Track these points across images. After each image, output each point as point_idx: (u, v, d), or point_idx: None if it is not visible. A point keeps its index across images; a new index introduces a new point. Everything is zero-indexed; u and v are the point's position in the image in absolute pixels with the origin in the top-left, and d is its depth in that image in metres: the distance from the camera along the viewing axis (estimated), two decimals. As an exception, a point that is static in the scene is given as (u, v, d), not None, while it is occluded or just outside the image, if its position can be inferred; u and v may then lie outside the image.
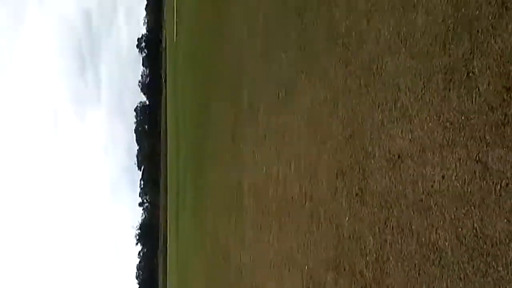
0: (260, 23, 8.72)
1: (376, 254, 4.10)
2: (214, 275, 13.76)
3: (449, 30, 3.29)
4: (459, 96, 3.17)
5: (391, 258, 3.87)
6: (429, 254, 3.40)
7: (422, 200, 3.51)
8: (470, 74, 3.07)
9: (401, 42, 3.87)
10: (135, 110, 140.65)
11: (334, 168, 5.01)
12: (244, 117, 9.78)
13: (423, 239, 3.48)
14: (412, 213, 3.63)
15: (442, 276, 3.24)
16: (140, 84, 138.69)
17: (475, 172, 2.99)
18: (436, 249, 3.32)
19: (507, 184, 2.75)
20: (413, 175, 3.64)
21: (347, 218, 4.65)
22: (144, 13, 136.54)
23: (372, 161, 4.24)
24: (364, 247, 4.30)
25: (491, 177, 2.86)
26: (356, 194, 4.49)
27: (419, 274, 3.50)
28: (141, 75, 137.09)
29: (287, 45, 6.86)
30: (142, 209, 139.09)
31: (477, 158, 2.98)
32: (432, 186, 3.40)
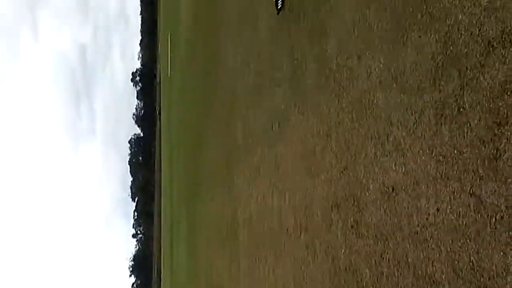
0: (253, 58, 8.86)
1: (372, 287, 4.09)
2: (209, 308, 13.56)
3: (439, 67, 3.36)
4: (451, 130, 3.22)
5: (388, 292, 3.87)
6: (426, 287, 3.39)
7: (417, 233, 3.52)
8: (461, 109, 3.12)
9: (392, 78, 3.94)
10: (129, 142, 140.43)
11: (329, 200, 5.03)
12: (238, 149, 9.82)
13: (419, 272, 3.47)
14: (408, 245, 3.63)
15: (440, 310, 3.23)
16: (134, 116, 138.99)
17: (469, 205, 3.01)
18: (433, 282, 3.31)
19: (501, 217, 2.76)
20: (407, 208, 3.66)
21: (342, 250, 4.65)
22: (139, 48, 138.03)
23: (367, 193, 4.27)
24: (361, 280, 4.28)
25: (486, 210, 2.87)
26: (352, 226, 4.50)
27: (416, 307, 3.49)
28: (136, 108, 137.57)
29: (280, 79, 6.97)
30: (136, 241, 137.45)
31: (471, 191, 3.00)
32: (427, 219, 3.41)
